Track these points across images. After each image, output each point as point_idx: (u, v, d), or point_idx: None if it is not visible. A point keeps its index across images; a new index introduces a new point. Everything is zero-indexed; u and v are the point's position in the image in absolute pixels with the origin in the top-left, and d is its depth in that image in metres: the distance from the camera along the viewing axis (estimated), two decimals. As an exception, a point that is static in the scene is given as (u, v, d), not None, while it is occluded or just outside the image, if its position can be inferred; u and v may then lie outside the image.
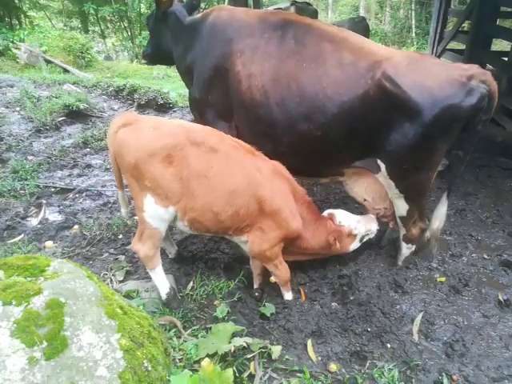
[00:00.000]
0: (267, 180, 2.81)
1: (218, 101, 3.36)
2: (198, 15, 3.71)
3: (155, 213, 2.69)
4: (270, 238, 2.85)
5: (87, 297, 1.82)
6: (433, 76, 2.75)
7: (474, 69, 2.79)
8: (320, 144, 3.07)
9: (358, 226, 3.22)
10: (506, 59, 6.97)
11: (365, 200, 3.46)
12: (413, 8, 22.46)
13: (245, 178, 2.72)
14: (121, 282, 3.33)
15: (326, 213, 3.29)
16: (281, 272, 3.04)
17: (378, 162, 3.04)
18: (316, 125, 2.99)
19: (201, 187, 2.64)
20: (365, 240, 3.38)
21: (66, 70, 11.77)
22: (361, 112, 2.86)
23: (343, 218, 3.22)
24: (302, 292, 3.27)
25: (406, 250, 3.52)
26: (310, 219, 3.08)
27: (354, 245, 3.30)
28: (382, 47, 3.11)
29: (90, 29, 19.47)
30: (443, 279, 3.44)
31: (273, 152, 3.03)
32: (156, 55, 4.22)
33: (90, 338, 1.68)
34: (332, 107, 2.91)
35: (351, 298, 3.20)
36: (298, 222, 2.93)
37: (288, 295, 3.17)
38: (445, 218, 3.31)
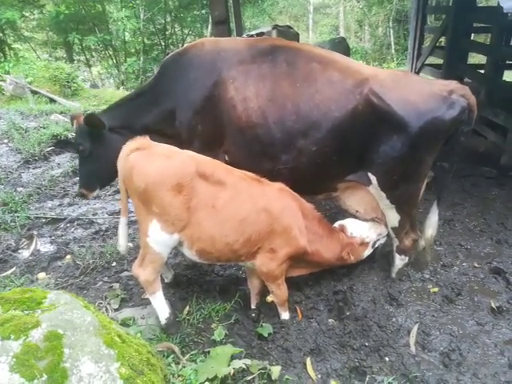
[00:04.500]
0: (275, 200, 2.89)
1: (208, 129, 3.38)
2: (174, 52, 3.64)
3: (160, 238, 2.71)
4: (279, 257, 2.90)
5: (85, 327, 1.82)
6: (416, 91, 2.94)
7: (453, 84, 3.00)
8: (316, 159, 3.18)
9: (370, 234, 3.32)
10: (482, 72, 7.21)
11: (357, 211, 3.54)
12: (391, 26, 23.12)
13: (253, 206, 2.79)
14: (116, 310, 3.31)
15: (336, 224, 3.37)
16: (281, 291, 3.06)
17: (369, 174, 3.15)
18: (312, 140, 3.11)
19: (209, 217, 2.70)
20: (377, 245, 3.48)
21: (52, 100, 11.77)
22: (351, 126, 3.01)
23: (354, 228, 3.31)
24: (299, 310, 3.28)
25: (400, 261, 3.57)
26: (323, 233, 3.16)
27: (368, 251, 3.41)
28: (367, 66, 3.32)
29: (75, 58, 19.59)
30: (436, 289, 3.49)
31: (271, 172, 3.12)
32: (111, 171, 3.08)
33: (89, 369, 1.68)
34: (325, 122, 3.05)
35: (347, 314, 3.22)
36: (305, 238, 2.99)
37: (285, 315, 3.18)
38: (436, 225, 3.45)
